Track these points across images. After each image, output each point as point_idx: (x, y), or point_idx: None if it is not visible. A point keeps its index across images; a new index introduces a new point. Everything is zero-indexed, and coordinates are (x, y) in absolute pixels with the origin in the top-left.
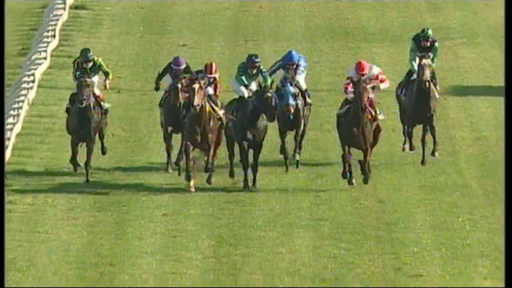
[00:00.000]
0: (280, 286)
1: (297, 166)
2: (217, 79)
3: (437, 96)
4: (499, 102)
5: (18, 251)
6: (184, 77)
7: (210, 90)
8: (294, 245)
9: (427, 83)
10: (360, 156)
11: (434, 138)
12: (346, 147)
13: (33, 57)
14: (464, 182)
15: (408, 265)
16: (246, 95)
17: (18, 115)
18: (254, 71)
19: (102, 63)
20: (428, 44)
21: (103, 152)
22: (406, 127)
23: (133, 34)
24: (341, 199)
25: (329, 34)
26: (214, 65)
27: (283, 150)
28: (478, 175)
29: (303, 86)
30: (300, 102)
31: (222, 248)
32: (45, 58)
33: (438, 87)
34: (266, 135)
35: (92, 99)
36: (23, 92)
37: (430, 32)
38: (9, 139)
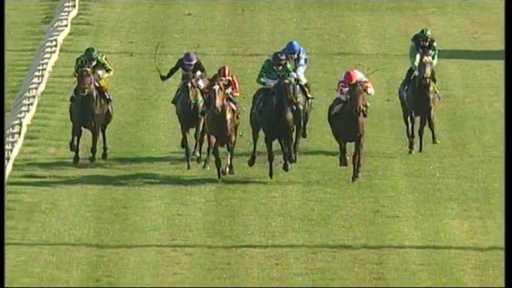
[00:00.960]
0: (274, 225)
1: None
2: (233, 79)
3: (438, 93)
4: (466, 64)
5: (43, 195)
6: (194, 76)
7: (229, 90)
8: (285, 190)
9: (427, 80)
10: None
11: (432, 131)
12: (342, 142)
13: (55, 25)
14: (435, 134)
15: (385, 207)
16: (272, 85)
17: (42, 75)
18: (280, 68)
19: (105, 61)
20: (427, 43)
21: (104, 153)
22: (408, 126)
23: (144, 4)
24: (327, 151)
25: (317, 4)
26: (227, 68)
27: None
28: (447, 128)
29: (303, 80)
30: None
31: (222, 193)
32: (66, 26)
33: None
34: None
35: (95, 90)
36: (47, 55)
37: (428, 32)
38: (34, 97)
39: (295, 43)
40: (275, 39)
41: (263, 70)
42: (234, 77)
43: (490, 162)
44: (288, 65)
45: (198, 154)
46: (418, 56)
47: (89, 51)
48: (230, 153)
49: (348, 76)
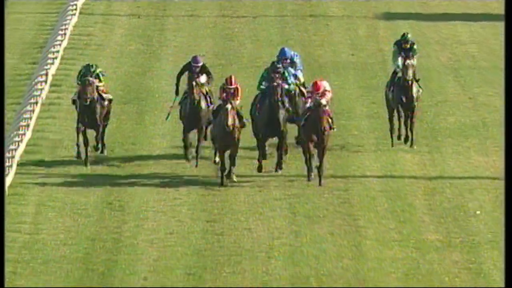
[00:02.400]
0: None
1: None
2: (238, 88)
3: (420, 92)
4: (418, 25)
5: (65, 133)
6: (198, 76)
7: (237, 102)
8: None
9: (409, 82)
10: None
11: (412, 135)
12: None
13: None
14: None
15: (350, 143)
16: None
17: (65, 34)
18: (277, 75)
19: (100, 74)
20: (408, 45)
21: (102, 150)
22: (392, 125)
23: None
24: None
25: None
26: (233, 77)
27: None
28: None
29: (301, 79)
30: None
31: None
32: None
33: (420, 88)
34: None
35: (96, 93)
36: (68, 17)
37: (409, 35)
38: (58, 51)
39: (286, 49)
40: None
41: (263, 79)
42: (238, 85)
43: (436, 106)
44: (286, 73)
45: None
46: (400, 59)
47: (88, 66)
48: (232, 160)
49: (316, 86)
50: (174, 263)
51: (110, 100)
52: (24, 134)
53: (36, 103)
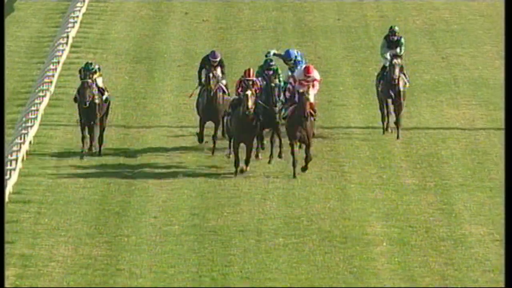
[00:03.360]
0: None
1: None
2: (256, 81)
3: (407, 85)
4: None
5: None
6: (215, 69)
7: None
8: None
9: (396, 80)
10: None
11: (398, 127)
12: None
13: None
14: (373, 44)
15: (336, 98)
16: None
17: (84, 0)
18: (271, 73)
19: (98, 71)
20: (395, 38)
21: (99, 151)
22: (383, 115)
23: None
24: None
25: None
26: (252, 70)
27: None
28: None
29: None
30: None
31: None
32: None
33: (407, 78)
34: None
35: (96, 91)
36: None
37: (397, 28)
38: (77, 16)
39: (291, 51)
40: None
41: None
42: (258, 79)
43: (413, 65)
44: (279, 70)
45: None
46: (388, 56)
47: (87, 64)
48: (249, 151)
49: (307, 69)
50: (181, 204)
51: (106, 99)
52: (48, 89)
53: (58, 62)
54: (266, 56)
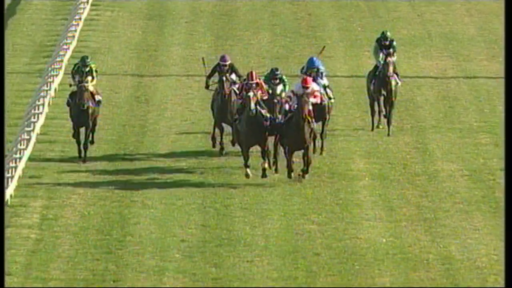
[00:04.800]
0: None
1: (321, 153)
2: (260, 82)
3: (399, 83)
4: None
5: (102, 43)
6: (227, 72)
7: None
8: None
9: (389, 78)
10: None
11: (388, 124)
12: (289, 151)
13: None
14: (357, 3)
15: (324, 50)
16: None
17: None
18: (277, 82)
19: (94, 69)
20: (388, 43)
21: (91, 142)
22: (373, 115)
23: None
24: None
25: None
26: (254, 72)
27: None
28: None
29: (326, 82)
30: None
31: None
32: None
33: (399, 77)
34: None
35: (90, 98)
36: None
37: (388, 34)
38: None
39: (314, 58)
40: None
41: (264, 82)
42: (261, 80)
43: (392, 21)
44: (285, 79)
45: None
46: (382, 56)
47: (83, 58)
48: (265, 155)
49: (305, 81)
50: (187, 144)
51: (99, 102)
52: (71, 43)
53: (80, 18)
54: (272, 71)
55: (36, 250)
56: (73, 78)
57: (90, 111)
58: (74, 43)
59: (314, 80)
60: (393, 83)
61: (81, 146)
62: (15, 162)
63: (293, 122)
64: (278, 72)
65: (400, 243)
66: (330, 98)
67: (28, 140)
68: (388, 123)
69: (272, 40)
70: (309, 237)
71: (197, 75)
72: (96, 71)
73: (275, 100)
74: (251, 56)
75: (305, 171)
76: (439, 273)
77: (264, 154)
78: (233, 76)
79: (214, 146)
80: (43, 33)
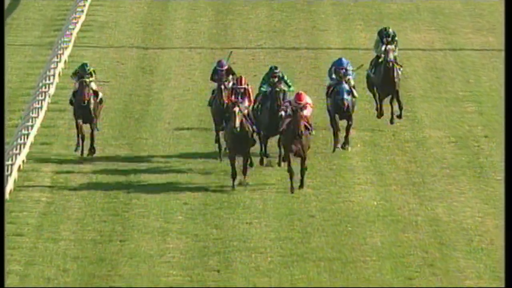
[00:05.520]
0: None
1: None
2: (248, 89)
3: (400, 73)
4: None
5: (110, 17)
6: (226, 79)
7: (246, 102)
8: None
9: (391, 63)
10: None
11: (399, 104)
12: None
13: None
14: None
15: (319, 24)
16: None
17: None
18: (276, 80)
19: (93, 73)
20: (390, 39)
21: (92, 147)
22: (376, 97)
23: None
24: None
25: None
26: (243, 78)
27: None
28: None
29: (352, 82)
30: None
31: None
32: None
33: (401, 68)
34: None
35: (91, 92)
36: None
37: (391, 30)
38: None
39: (343, 59)
40: None
41: (263, 81)
42: (250, 87)
43: None
44: (285, 76)
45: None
46: (382, 46)
47: (83, 65)
48: (246, 169)
49: (299, 97)
50: (190, 112)
51: (101, 100)
52: (80, 17)
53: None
54: (271, 69)
55: (47, 212)
56: (74, 79)
57: (91, 107)
58: (83, 17)
59: (345, 75)
60: (395, 72)
61: (83, 141)
62: (27, 130)
63: (291, 132)
64: (277, 71)
65: (390, 206)
66: (354, 97)
67: (40, 109)
68: (391, 113)
69: (269, 15)
70: (304, 200)
71: (198, 47)
72: (95, 72)
73: (277, 89)
74: (249, 30)
75: (301, 183)
76: (427, 234)
77: (245, 168)
78: (230, 77)
79: (219, 149)
80: (53, 8)
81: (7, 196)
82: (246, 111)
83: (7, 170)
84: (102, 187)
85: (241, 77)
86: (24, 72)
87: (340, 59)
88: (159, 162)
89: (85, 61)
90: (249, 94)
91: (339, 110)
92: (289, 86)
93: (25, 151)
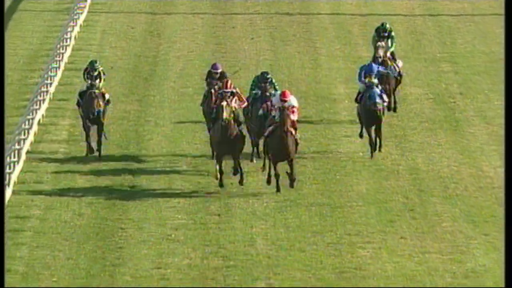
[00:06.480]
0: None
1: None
2: (236, 92)
3: (398, 69)
4: None
5: (118, 8)
6: (216, 83)
7: (234, 103)
8: None
9: (379, 59)
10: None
11: (395, 101)
12: (274, 162)
13: None
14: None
15: (311, 13)
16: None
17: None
18: (267, 85)
19: (102, 72)
20: (386, 34)
21: (99, 146)
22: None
23: None
24: None
25: None
26: (229, 81)
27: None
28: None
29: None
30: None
31: None
32: None
33: (399, 62)
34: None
35: (100, 103)
36: None
37: (387, 25)
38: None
39: (373, 65)
40: None
41: (254, 84)
42: (238, 90)
43: None
44: (274, 81)
45: None
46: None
47: (92, 62)
48: (236, 162)
49: (284, 94)
50: (193, 71)
51: (108, 101)
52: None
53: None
54: (263, 74)
55: (64, 162)
56: (85, 79)
57: (101, 111)
58: (86, 9)
59: (376, 77)
60: (390, 65)
61: (92, 142)
62: (47, 87)
63: (277, 135)
64: (269, 76)
65: (374, 156)
66: (384, 101)
67: (58, 68)
68: (394, 102)
69: None
70: (297, 151)
71: (201, 13)
72: (104, 73)
73: (267, 93)
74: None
75: (291, 185)
76: (407, 182)
77: (236, 167)
78: (217, 87)
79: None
80: (56, 1)
81: (28, 148)
82: (235, 112)
83: (28, 124)
84: (114, 139)
85: (227, 81)
86: (44, 35)
87: (370, 65)
88: (165, 116)
89: (94, 42)
90: (239, 96)
91: (370, 115)
92: (276, 90)
93: (44, 106)
